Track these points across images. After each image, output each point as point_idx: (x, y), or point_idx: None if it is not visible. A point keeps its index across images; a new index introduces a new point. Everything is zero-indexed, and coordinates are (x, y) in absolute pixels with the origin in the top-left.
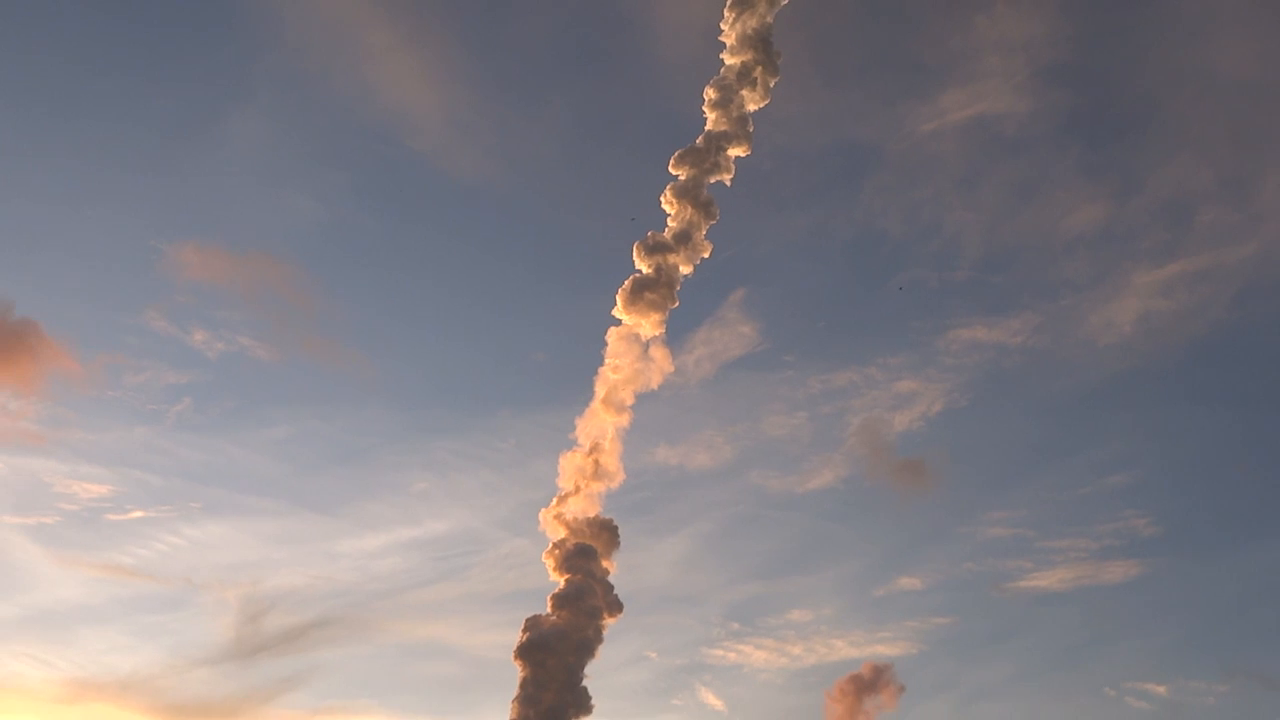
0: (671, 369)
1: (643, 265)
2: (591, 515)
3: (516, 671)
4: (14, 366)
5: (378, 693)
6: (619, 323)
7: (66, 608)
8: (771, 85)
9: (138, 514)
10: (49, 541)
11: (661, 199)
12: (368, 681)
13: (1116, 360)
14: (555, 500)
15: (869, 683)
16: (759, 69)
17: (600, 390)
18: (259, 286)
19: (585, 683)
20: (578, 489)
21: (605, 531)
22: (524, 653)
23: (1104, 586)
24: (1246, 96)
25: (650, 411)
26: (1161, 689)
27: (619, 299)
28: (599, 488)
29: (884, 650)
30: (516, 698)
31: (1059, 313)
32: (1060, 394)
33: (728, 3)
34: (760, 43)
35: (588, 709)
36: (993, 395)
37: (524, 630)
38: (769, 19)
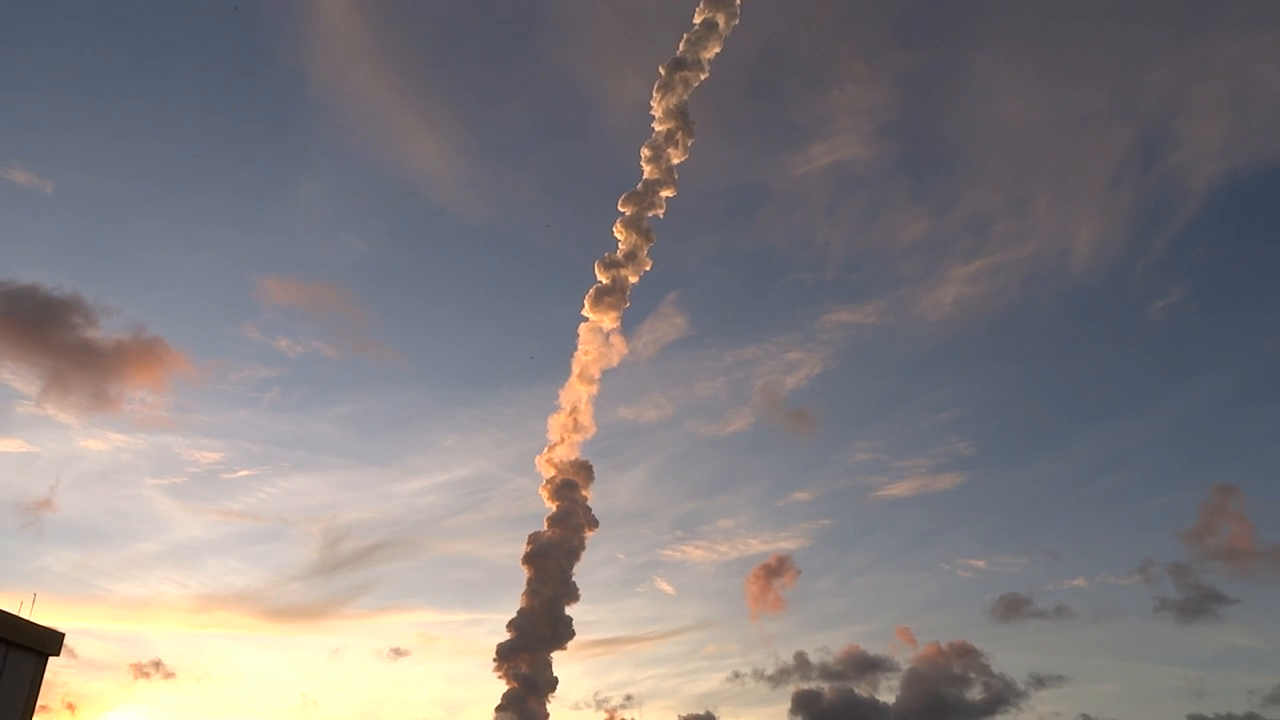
0: (626, 351)
1: (603, 277)
2: (573, 458)
3: (524, 573)
4: (148, 371)
5: (424, 593)
6: (587, 319)
7: (194, 543)
8: (689, 144)
9: (244, 473)
10: (179, 496)
11: (614, 229)
12: (416, 586)
13: (941, 332)
14: (546, 449)
15: (775, 569)
16: (680, 133)
17: (575, 368)
18: (325, 305)
19: (574, 579)
20: (562, 440)
21: (583, 470)
22: (529, 559)
23: (938, 492)
24: (1024, 141)
25: (612, 382)
26: (980, 563)
27: (586, 302)
28: (578, 438)
29: (785, 545)
30: (525, 592)
31: (900, 299)
32: (902, 357)
33: (655, 86)
34: (680, 114)
35: (576, 597)
36: (855, 360)
37: (528, 543)
38: (685, 97)
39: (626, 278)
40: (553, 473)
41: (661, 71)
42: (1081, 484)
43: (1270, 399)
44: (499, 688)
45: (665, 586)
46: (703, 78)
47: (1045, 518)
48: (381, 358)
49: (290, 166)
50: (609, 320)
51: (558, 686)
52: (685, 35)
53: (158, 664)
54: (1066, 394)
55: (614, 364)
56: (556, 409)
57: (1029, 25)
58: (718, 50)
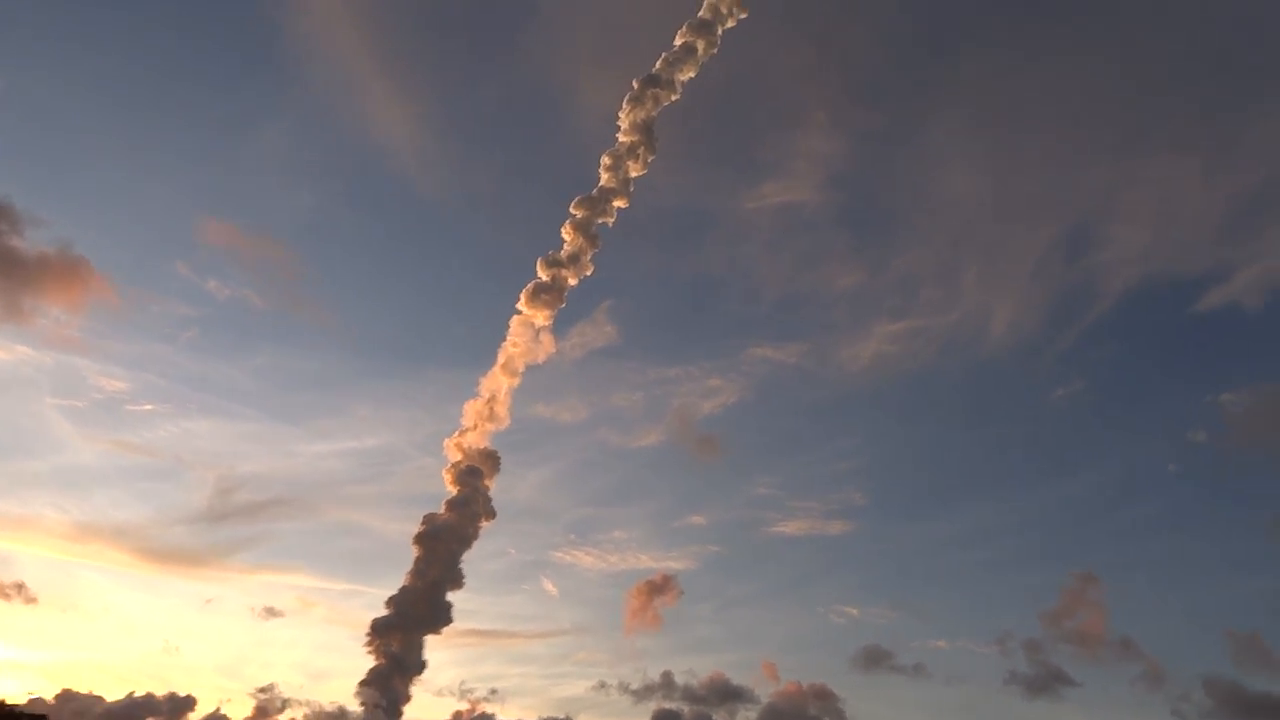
0: (553, 350)
1: (543, 274)
2: (482, 447)
3: (413, 553)
4: (66, 289)
5: (308, 557)
6: (520, 313)
7: (84, 470)
8: (650, 160)
9: (148, 407)
10: (77, 420)
11: (562, 229)
12: (302, 549)
13: (857, 383)
14: (458, 433)
15: (659, 586)
16: (642, 148)
17: (501, 359)
18: (262, 255)
19: (462, 565)
20: (475, 426)
21: (490, 459)
22: (420, 539)
23: (826, 536)
24: (960, 213)
25: (535, 378)
26: (854, 611)
27: (523, 296)
28: (490, 428)
29: (673, 565)
30: (410, 571)
31: (824, 345)
32: (817, 401)
33: (626, 98)
34: (645, 130)
35: (460, 584)
36: (772, 396)
37: (422, 523)
38: (654, 114)
39: (566, 278)
40: (459, 457)
41: (635, 85)
42: (961, 549)
43: (1138, 499)
44: (367, 663)
45: (549, 587)
46: (673, 98)
47: (922, 576)
48: (310, 316)
49: (253, 112)
50: (542, 317)
51: (425, 670)
52: (664, 54)
53: (20, 586)
54: (962, 462)
55: (539, 360)
56: (475, 395)
57: (983, 109)
58: (692, 74)
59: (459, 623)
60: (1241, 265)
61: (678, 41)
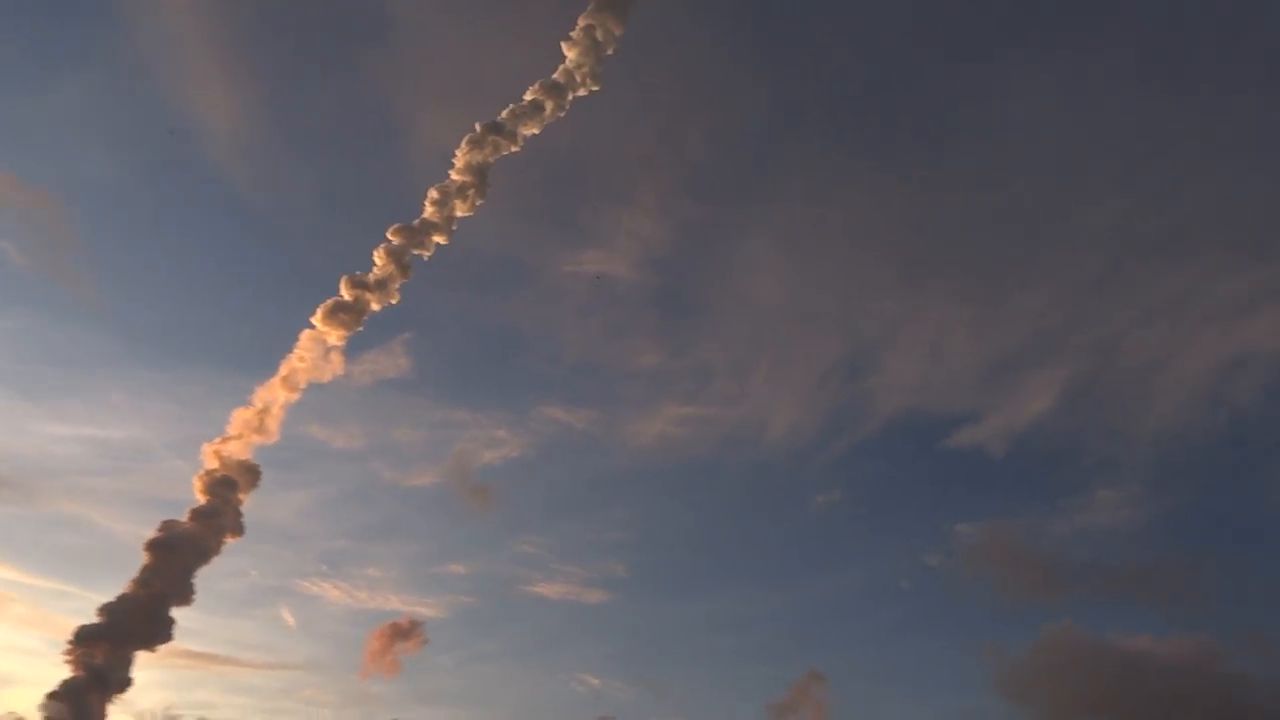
0: (341, 372)
1: (345, 293)
2: (243, 458)
3: (143, 559)
4: None
5: (15, 548)
6: (313, 328)
7: None
8: (478, 204)
9: None
10: None
11: (375, 253)
12: (10, 538)
13: (638, 459)
14: (219, 439)
15: (403, 631)
16: (473, 190)
17: (283, 371)
18: (34, 211)
19: (194, 579)
20: (240, 436)
21: (249, 473)
22: (153, 546)
23: (582, 604)
24: (762, 315)
25: (315, 397)
26: (596, 681)
27: (319, 311)
28: (257, 440)
29: (422, 611)
30: (135, 579)
31: (614, 416)
32: (597, 469)
33: (466, 139)
34: (480, 173)
35: (189, 601)
36: (555, 457)
37: (159, 529)
38: (491, 160)
39: (369, 302)
40: (216, 465)
41: (477, 128)
42: (706, 634)
43: (872, 608)
44: (63, 673)
45: (287, 617)
46: (513, 150)
47: (666, 656)
48: (75, 287)
49: (59, 58)
50: (335, 336)
51: (129, 689)
52: (512, 106)
53: None
54: (725, 550)
55: (324, 380)
56: (247, 404)
57: (799, 224)
58: (536, 131)
59: (179, 641)
60: (991, 413)
61: (527, 97)
